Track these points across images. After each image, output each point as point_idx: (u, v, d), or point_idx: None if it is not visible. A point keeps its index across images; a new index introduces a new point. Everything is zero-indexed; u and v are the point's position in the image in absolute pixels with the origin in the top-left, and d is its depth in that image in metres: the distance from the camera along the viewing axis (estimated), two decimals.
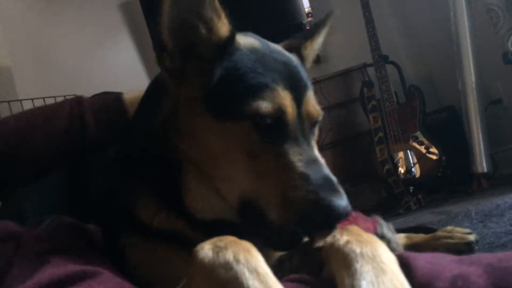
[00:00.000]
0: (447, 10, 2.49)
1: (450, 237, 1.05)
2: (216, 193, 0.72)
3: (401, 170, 2.64)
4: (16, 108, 2.88)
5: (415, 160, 2.61)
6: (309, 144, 0.72)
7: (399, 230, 1.24)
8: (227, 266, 0.48)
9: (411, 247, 1.10)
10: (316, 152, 0.73)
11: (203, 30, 0.73)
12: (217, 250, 0.51)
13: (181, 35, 0.72)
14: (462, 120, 2.52)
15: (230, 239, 0.53)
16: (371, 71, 2.92)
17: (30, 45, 3.53)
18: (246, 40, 0.78)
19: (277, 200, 0.65)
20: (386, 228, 0.71)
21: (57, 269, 0.58)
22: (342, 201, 0.62)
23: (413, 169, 2.61)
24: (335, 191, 0.64)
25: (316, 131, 0.80)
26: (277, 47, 0.81)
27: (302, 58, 0.89)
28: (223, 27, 0.74)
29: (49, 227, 0.73)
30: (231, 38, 0.75)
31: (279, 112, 0.69)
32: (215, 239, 0.54)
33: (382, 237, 0.69)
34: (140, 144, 0.80)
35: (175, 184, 0.74)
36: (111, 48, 3.61)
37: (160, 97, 0.78)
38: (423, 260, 0.51)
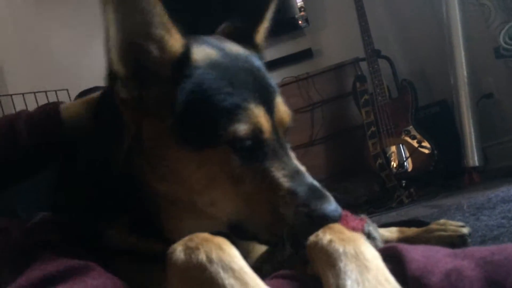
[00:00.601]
0: (439, 5, 2.50)
1: (443, 230, 1.05)
2: (201, 216, 0.68)
3: (394, 164, 2.65)
4: (7, 103, 2.85)
5: (408, 154, 2.62)
6: (287, 153, 0.70)
7: (391, 224, 1.25)
8: (201, 267, 0.48)
9: (404, 241, 1.10)
10: (295, 160, 0.70)
11: (155, 51, 0.66)
12: (189, 251, 0.50)
13: (132, 60, 0.66)
14: (454, 114, 2.53)
15: (201, 237, 0.52)
16: (363, 65, 2.92)
17: (21, 40, 3.50)
18: (202, 53, 0.71)
19: (267, 220, 0.63)
20: (372, 227, 0.72)
21: (48, 264, 0.58)
22: (332, 205, 0.62)
23: (405, 163, 2.63)
24: (323, 197, 0.63)
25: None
26: (235, 49, 0.75)
27: (257, 48, 0.83)
28: (175, 43, 0.68)
29: (39, 223, 0.72)
30: (186, 54, 0.68)
31: (257, 131, 0.65)
32: (186, 239, 0.53)
33: (369, 235, 0.70)
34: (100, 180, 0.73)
35: (151, 219, 0.70)
36: (102, 42, 3.57)
37: (119, 129, 0.69)
38: (417, 254, 0.51)
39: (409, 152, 2.62)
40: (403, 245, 0.53)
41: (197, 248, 0.50)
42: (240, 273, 0.47)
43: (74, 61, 3.48)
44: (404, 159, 2.63)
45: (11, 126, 0.84)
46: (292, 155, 0.72)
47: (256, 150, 0.66)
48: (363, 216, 0.73)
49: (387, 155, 2.66)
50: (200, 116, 0.65)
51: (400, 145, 2.66)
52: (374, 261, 0.47)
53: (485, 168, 2.43)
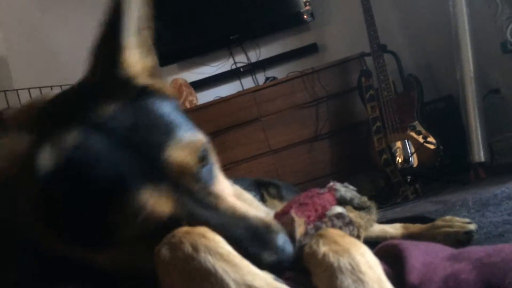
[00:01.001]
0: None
1: (449, 226, 1.04)
2: None
3: (399, 159, 2.64)
4: (12, 98, 2.86)
5: (413, 150, 2.61)
6: (210, 200, 0.56)
7: (395, 220, 1.24)
8: (188, 258, 0.48)
9: (408, 237, 1.10)
10: (224, 200, 0.58)
11: None
12: (173, 247, 0.49)
13: None
14: (460, 110, 2.51)
15: (182, 231, 0.51)
16: (369, 60, 2.90)
17: (26, 34, 3.50)
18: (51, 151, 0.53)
19: None
20: (344, 189, 0.70)
21: None
22: (273, 254, 0.52)
23: (410, 159, 2.62)
24: (264, 243, 0.53)
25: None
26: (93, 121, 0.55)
27: (134, 82, 0.62)
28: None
29: None
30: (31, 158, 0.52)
31: (156, 217, 0.53)
32: (168, 238, 0.51)
33: (343, 200, 0.68)
34: None
35: None
36: None
37: None
38: (417, 261, 0.50)
39: (414, 147, 2.61)
40: (405, 244, 0.53)
41: (181, 242, 0.49)
42: (228, 257, 0.47)
43: (79, 57, 3.48)
44: (410, 155, 2.62)
45: None
46: (218, 188, 0.60)
47: (168, 228, 0.53)
48: (331, 184, 0.71)
49: (392, 150, 2.65)
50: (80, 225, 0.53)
51: (406, 140, 2.64)
52: (369, 272, 0.46)
53: (491, 163, 2.42)
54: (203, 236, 0.50)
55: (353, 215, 0.65)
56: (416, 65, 3.20)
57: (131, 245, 0.53)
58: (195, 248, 0.48)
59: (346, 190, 0.70)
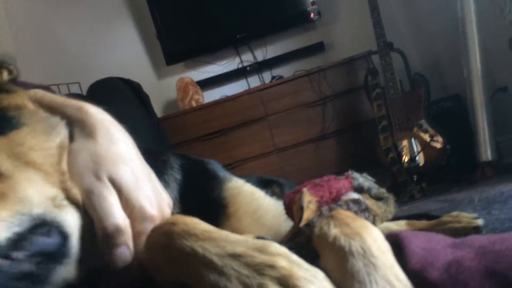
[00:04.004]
0: None
1: (457, 222, 1.03)
2: None
3: (405, 158, 2.62)
4: None
5: (419, 149, 2.60)
6: None
7: (399, 218, 1.23)
8: (166, 249, 0.47)
9: None
10: None
11: None
12: (150, 246, 0.50)
13: None
14: (467, 109, 2.49)
15: (154, 228, 0.52)
16: (375, 58, 2.89)
17: (34, 32, 3.53)
18: None
19: None
20: (363, 179, 0.68)
21: None
22: None
23: (417, 158, 2.60)
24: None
25: None
26: None
27: None
28: None
29: None
30: None
31: None
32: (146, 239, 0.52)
33: (360, 189, 0.66)
34: None
35: None
36: (114, 34, 3.60)
37: None
38: (418, 246, 0.49)
39: (421, 146, 2.59)
40: (405, 233, 0.52)
41: (155, 237, 0.50)
42: (204, 235, 0.46)
43: (86, 55, 3.50)
44: (416, 154, 2.60)
45: None
46: None
47: None
48: (349, 172, 0.69)
49: (399, 149, 2.64)
50: None
51: (412, 139, 2.63)
52: (382, 257, 0.45)
53: (499, 162, 2.40)
54: (173, 223, 0.49)
55: (370, 202, 0.64)
56: (423, 63, 3.18)
57: None
58: (170, 237, 0.47)
59: (365, 180, 0.67)
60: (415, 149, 2.61)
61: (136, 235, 0.54)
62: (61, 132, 0.58)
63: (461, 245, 0.47)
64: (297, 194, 0.61)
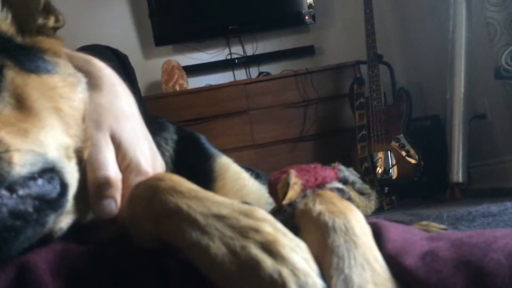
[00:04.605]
0: (447, 19, 2.51)
1: (426, 231, 1.05)
2: None
3: (379, 170, 2.66)
4: None
5: (394, 162, 2.64)
6: None
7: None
8: (150, 203, 0.47)
9: None
10: None
11: None
12: (134, 200, 0.50)
13: None
14: (444, 131, 2.55)
15: (140, 183, 0.52)
16: (363, 68, 2.93)
17: None
18: None
19: None
20: (348, 172, 0.69)
21: None
22: None
23: (390, 170, 2.64)
24: None
25: None
26: None
27: None
28: None
29: None
30: None
31: None
32: (131, 191, 0.52)
33: (345, 181, 0.67)
34: None
35: None
36: (105, 7, 3.53)
37: None
38: (395, 234, 0.50)
39: (396, 160, 2.63)
40: (384, 222, 0.52)
41: (140, 191, 0.50)
42: (190, 193, 0.46)
43: (77, 29, 3.43)
44: (390, 166, 2.64)
45: None
46: None
47: None
48: (335, 164, 0.70)
49: (374, 160, 2.67)
50: None
51: (388, 152, 2.67)
52: (363, 237, 0.45)
53: (468, 186, 2.46)
54: (160, 179, 0.49)
55: (353, 194, 0.64)
56: (408, 80, 3.24)
57: None
58: (154, 192, 0.47)
59: (350, 173, 0.69)
60: (390, 162, 2.65)
61: (128, 189, 0.54)
62: (85, 89, 0.58)
63: (438, 238, 0.48)
64: (283, 174, 0.61)
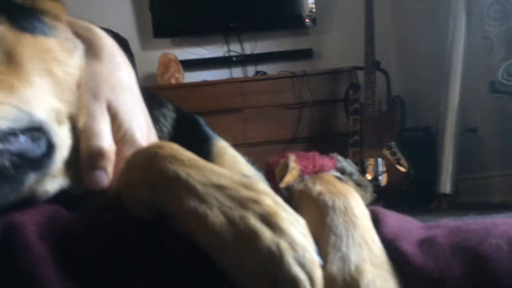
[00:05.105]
0: (446, 32, 2.53)
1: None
2: None
3: (369, 176, 2.67)
4: None
5: (384, 169, 2.65)
6: None
7: None
8: (148, 170, 0.46)
9: None
10: None
11: None
12: (131, 167, 0.50)
13: None
14: (435, 143, 2.56)
15: (139, 150, 0.52)
16: (360, 74, 2.94)
17: None
18: None
19: None
20: (346, 163, 0.69)
21: None
22: None
23: (380, 177, 2.65)
24: None
25: None
26: None
27: None
28: None
29: None
30: None
31: None
32: (128, 159, 0.51)
33: (342, 171, 0.67)
34: None
35: None
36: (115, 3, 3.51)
37: None
38: (393, 220, 0.50)
39: (386, 167, 2.65)
40: (382, 209, 0.53)
41: (138, 157, 0.49)
42: (190, 162, 0.45)
43: (80, 17, 3.39)
44: (380, 173, 2.65)
45: None
46: None
47: None
48: (334, 154, 0.71)
49: (364, 165, 2.68)
50: None
51: (379, 158, 2.68)
52: (362, 219, 0.45)
53: (455, 198, 2.48)
54: (160, 147, 0.48)
55: (350, 184, 0.65)
56: (403, 89, 3.26)
57: None
58: (153, 159, 0.46)
59: (348, 165, 0.69)
60: (380, 169, 2.66)
61: (121, 161, 0.53)
62: (82, 56, 0.57)
63: (435, 226, 0.48)
64: (282, 158, 0.61)
